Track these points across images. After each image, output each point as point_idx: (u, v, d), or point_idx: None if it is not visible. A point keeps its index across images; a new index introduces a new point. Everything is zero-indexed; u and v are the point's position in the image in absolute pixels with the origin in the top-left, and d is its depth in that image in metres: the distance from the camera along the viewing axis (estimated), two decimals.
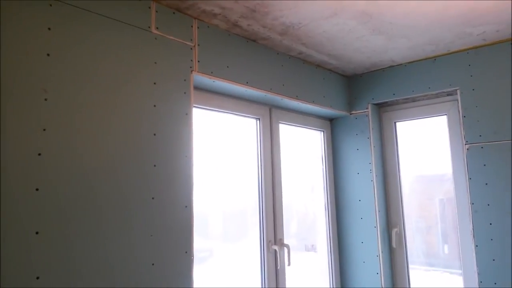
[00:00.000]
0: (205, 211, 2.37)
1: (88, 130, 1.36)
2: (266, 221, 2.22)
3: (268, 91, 2.17)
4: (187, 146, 1.68)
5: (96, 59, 1.42)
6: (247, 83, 2.04)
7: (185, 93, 1.72)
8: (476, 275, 2.22)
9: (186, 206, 1.61)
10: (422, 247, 3.16)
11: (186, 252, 1.58)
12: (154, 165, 1.53)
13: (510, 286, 2.10)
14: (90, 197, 1.33)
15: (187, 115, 1.71)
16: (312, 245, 2.95)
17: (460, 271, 2.54)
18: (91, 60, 1.40)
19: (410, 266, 2.67)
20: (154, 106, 1.58)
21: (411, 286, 2.63)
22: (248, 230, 2.29)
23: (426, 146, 2.85)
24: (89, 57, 1.39)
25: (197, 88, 1.97)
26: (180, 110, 1.69)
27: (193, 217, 1.64)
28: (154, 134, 1.56)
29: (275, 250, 2.21)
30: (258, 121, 2.34)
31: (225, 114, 2.18)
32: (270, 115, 2.40)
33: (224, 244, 2.41)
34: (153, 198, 1.50)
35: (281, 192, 2.35)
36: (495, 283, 2.14)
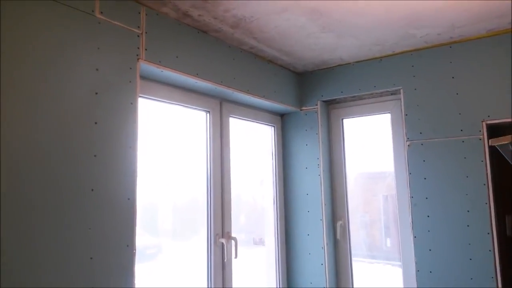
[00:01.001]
0: (153, 206, 2.31)
1: (19, 117, 1.27)
2: (213, 215, 2.21)
3: (219, 83, 2.15)
4: (132, 137, 1.63)
5: (32, 41, 1.33)
6: (197, 75, 2.01)
7: (130, 81, 1.66)
8: (413, 264, 2.34)
9: (128, 199, 1.56)
10: (366, 240, 3.29)
11: (127, 245, 1.53)
12: (95, 155, 1.47)
13: (444, 273, 2.23)
14: (19, 189, 1.25)
15: (132, 105, 1.66)
16: (260, 239, 2.98)
17: (401, 263, 2.68)
18: (26, 42, 1.31)
19: (354, 258, 2.77)
20: (96, 93, 1.51)
21: (354, 276, 2.73)
22: (198, 225, 2.27)
23: (370, 143, 2.96)
24: (24, 38, 1.31)
25: (144, 77, 1.91)
26: (125, 99, 1.63)
27: (136, 210, 1.60)
28: (95, 123, 1.49)
29: (222, 243, 2.21)
30: (208, 114, 2.31)
31: (174, 105, 2.13)
32: (221, 109, 2.39)
33: (173, 241, 2.37)
34: (92, 190, 1.44)
35: (230, 186, 2.35)
36: (431, 271, 2.27)
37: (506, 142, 1.14)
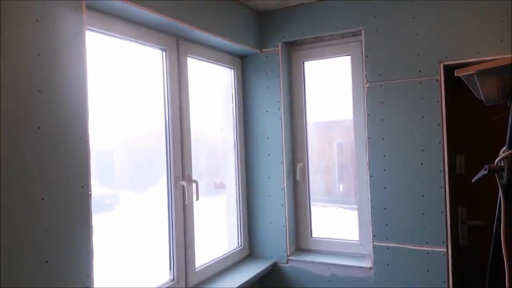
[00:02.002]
0: (109, 154, 2.21)
1: None
2: (173, 157, 2.15)
3: (175, 18, 2.01)
4: (80, 71, 1.49)
5: None
6: (150, 7, 1.85)
7: (75, 10, 1.50)
8: (369, 202, 2.44)
9: (80, 138, 1.46)
10: (321, 185, 3.40)
11: (82, 187, 1.45)
12: (39, 90, 1.34)
13: (397, 209, 2.34)
14: None
15: (79, 37, 1.51)
16: (221, 183, 2.98)
17: (353, 206, 2.79)
18: None
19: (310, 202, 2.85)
20: (37, 21, 1.35)
21: (312, 217, 2.81)
22: (158, 172, 2.20)
23: (330, 89, 2.96)
24: None
25: (93, 8, 1.73)
26: (70, 30, 1.47)
27: (89, 150, 1.50)
28: (38, 54, 1.35)
29: (183, 186, 2.17)
30: (164, 53, 2.18)
31: (127, 41, 1.98)
32: (178, 47, 2.25)
33: (131, 190, 2.31)
34: (39, 127, 1.33)
35: (189, 128, 2.27)
36: (385, 208, 2.38)
37: (471, 72, 1.14)
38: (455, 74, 1.24)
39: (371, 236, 2.43)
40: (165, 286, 2.09)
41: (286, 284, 2.67)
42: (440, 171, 2.25)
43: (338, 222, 3.42)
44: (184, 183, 2.16)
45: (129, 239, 2.22)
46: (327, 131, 3.11)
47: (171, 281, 2.14)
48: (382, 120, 2.40)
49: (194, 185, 2.22)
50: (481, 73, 1.17)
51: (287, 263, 2.67)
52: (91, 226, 1.50)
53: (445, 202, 2.24)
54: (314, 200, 2.87)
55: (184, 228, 2.20)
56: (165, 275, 2.16)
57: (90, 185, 1.50)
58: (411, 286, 2.30)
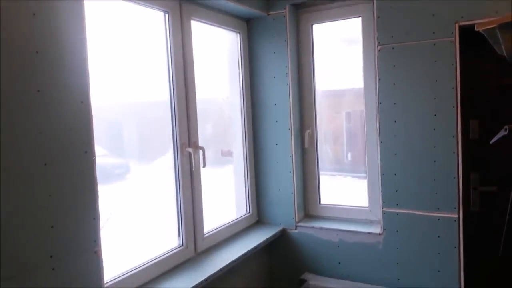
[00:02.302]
0: (117, 124, 2.19)
1: None
2: (179, 123, 2.11)
3: None
4: (78, 33, 1.43)
5: None
6: None
7: None
8: (379, 168, 2.39)
9: (82, 102, 1.42)
10: (330, 154, 3.37)
11: (86, 152, 1.42)
12: (37, 52, 1.29)
13: (407, 176, 2.30)
14: None
15: None
16: (228, 150, 2.95)
17: (361, 175, 2.76)
18: None
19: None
20: None
21: (320, 184, 2.79)
22: (166, 141, 2.16)
23: (339, 54, 2.86)
24: None
25: None
26: None
27: (91, 114, 1.46)
28: (34, 14, 1.29)
29: (189, 152, 2.14)
30: (166, 15, 2.10)
31: (128, 3, 1.90)
32: (181, 9, 2.16)
33: (140, 159, 2.29)
34: (38, 91, 1.29)
35: (195, 94, 2.22)
36: (395, 174, 2.33)
37: (493, 26, 1.06)
38: (475, 29, 1.16)
39: (381, 202, 2.40)
40: (174, 251, 2.10)
41: (295, 250, 2.68)
42: (453, 136, 2.18)
43: (346, 190, 3.40)
44: (190, 149, 2.13)
45: (140, 207, 2.23)
46: (336, 100, 3.05)
47: (180, 246, 2.15)
48: (394, 84, 2.31)
49: (200, 152, 2.19)
50: (504, 27, 1.09)
51: (295, 229, 2.67)
52: (97, 191, 1.48)
53: (457, 167, 2.18)
54: (322, 169, 2.83)
55: (192, 195, 2.19)
56: (174, 241, 2.17)
57: (94, 151, 1.47)
58: (421, 252, 2.29)
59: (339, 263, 2.55)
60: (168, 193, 2.18)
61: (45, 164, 1.29)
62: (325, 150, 3.08)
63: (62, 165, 1.34)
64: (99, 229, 1.51)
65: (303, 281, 2.54)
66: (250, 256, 2.37)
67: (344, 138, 3.50)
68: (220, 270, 2.09)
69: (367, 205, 2.62)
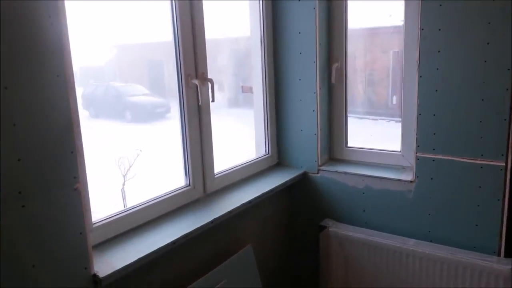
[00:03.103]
0: (159, 62, 2.01)
1: None
2: (183, 52, 1.87)
3: None
4: None
5: None
6: None
7: None
8: (415, 108, 2.07)
9: (49, 16, 1.21)
10: (372, 98, 3.10)
11: (57, 76, 1.23)
12: None
13: (449, 116, 1.97)
14: None
15: None
16: (250, 87, 2.71)
17: (394, 118, 2.45)
18: None
19: (353, 115, 2.53)
20: None
21: (348, 124, 2.51)
22: None
23: None
24: None
25: None
26: None
27: (64, 31, 1.26)
28: None
29: (196, 85, 1.92)
30: None
31: None
32: None
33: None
34: None
35: (203, 20, 1.95)
36: (434, 114, 2.01)
37: None
38: None
39: (415, 146, 2.11)
40: (180, 191, 1.96)
41: (316, 195, 2.48)
42: (508, 70, 1.80)
43: (377, 134, 3.13)
44: (196, 81, 1.91)
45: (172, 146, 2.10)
46: (379, 38, 2.70)
47: (187, 186, 2.01)
48: (440, 6, 1.92)
49: (209, 84, 1.97)
50: None
51: (317, 173, 2.46)
52: (77, 122, 1.32)
53: (510, 107, 1.83)
54: (350, 112, 2.54)
55: (200, 132, 2.00)
56: (181, 181, 2.03)
57: (71, 75, 1.28)
58: (457, 203, 2.02)
59: (364, 211, 2.33)
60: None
61: (6, 88, 1.11)
62: (368, 92, 2.81)
63: (28, 90, 1.17)
64: (83, 164, 1.37)
65: (323, 227, 2.36)
66: (266, 199, 2.21)
67: (390, 80, 3.20)
68: (230, 212, 1.94)
69: (399, 149, 2.33)
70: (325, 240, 2.36)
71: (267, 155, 2.55)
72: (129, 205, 1.77)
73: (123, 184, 3.70)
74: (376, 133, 2.94)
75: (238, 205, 2.00)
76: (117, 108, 4.12)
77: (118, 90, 4.05)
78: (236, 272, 2.01)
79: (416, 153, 2.10)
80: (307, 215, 2.54)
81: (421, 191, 2.12)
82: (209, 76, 1.99)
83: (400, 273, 2.12)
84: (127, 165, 3.76)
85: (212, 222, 1.84)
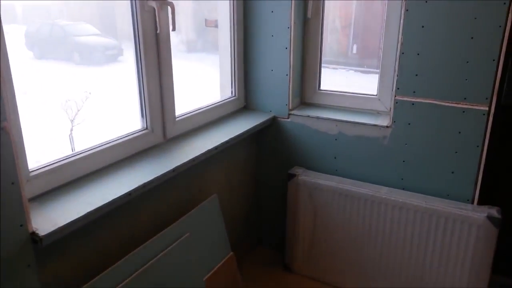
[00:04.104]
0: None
1: None
2: None
3: None
4: None
5: None
6: None
7: None
8: (398, 46, 1.89)
9: None
10: (333, 46, 2.93)
11: None
12: None
13: (433, 56, 1.82)
14: None
15: None
16: (214, 20, 2.41)
17: (368, 70, 2.29)
18: None
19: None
20: None
21: (322, 67, 2.31)
22: None
23: None
24: None
25: None
26: None
27: None
28: None
29: (154, 9, 1.61)
30: None
31: None
32: None
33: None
34: None
35: None
36: (418, 54, 1.85)
37: None
38: None
39: (394, 89, 1.96)
40: (136, 135, 1.71)
41: (286, 141, 2.31)
42: (504, 3, 1.65)
43: (350, 83, 2.97)
44: (154, 4, 1.59)
45: (124, 90, 1.82)
46: None
47: (144, 129, 1.75)
48: None
49: (169, 9, 1.66)
50: None
51: (288, 117, 2.27)
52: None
53: (500, 46, 1.69)
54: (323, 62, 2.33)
55: (158, 65, 1.72)
56: (138, 124, 1.76)
57: None
58: (434, 150, 1.92)
59: (335, 158, 2.20)
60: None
61: None
62: (329, 39, 2.60)
63: None
64: (13, 103, 1.08)
65: (292, 175, 2.22)
66: (232, 145, 2.01)
67: (351, 28, 3.03)
68: (193, 159, 1.72)
69: (375, 93, 2.18)
70: (293, 189, 2.23)
71: (233, 97, 2.32)
72: (77, 150, 1.50)
73: (71, 130, 3.37)
74: (337, 83, 2.77)
75: (203, 151, 1.78)
76: (64, 49, 3.75)
77: (64, 29, 3.70)
78: (200, 224, 1.84)
79: (395, 96, 1.96)
80: (275, 163, 2.38)
81: (397, 137, 2.00)
82: None
83: (372, 222, 2.05)
84: (75, 109, 3.42)
85: (173, 170, 1.61)
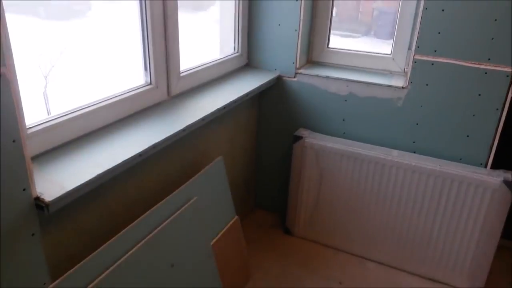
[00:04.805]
0: None
1: None
2: None
3: None
4: None
5: None
6: None
7: None
8: (422, 2, 1.77)
9: None
10: None
11: None
12: None
13: (459, 13, 1.70)
14: None
15: None
16: None
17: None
18: None
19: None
20: None
21: (332, 23, 2.16)
22: None
23: None
24: None
25: None
26: None
27: None
28: None
29: None
30: None
31: None
32: None
33: None
34: None
35: None
36: (443, 10, 1.72)
37: None
38: None
39: (414, 47, 1.84)
40: (140, 90, 1.54)
41: (291, 102, 2.19)
42: None
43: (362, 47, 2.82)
44: None
45: (101, 45, 1.65)
46: None
47: (148, 84, 1.59)
48: None
49: None
50: None
51: (294, 77, 2.14)
52: None
53: None
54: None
55: (163, 17, 1.53)
56: (141, 79, 1.59)
57: None
58: (451, 112, 1.85)
59: (343, 120, 2.10)
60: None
61: None
62: None
63: None
64: (8, 47, 0.91)
65: (298, 137, 2.12)
66: (237, 105, 1.87)
67: None
68: (203, 119, 1.59)
69: (389, 52, 2.07)
70: (299, 152, 2.13)
71: (236, 54, 2.16)
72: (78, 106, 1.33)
73: (45, 87, 3.14)
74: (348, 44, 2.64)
75: (212, 110, 1.64)
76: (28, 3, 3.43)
77: None
78: (207, 188, 1.73)
79: (413, 55, 1.85)
80: (278, 125, 2.27)
81: (413, 98, 1.92)
82: None
83: (381, 185, 1.99)
84: (49, 65, 3.17)
85: (184, 130, 1.48)
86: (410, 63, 1.87)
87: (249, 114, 2.22)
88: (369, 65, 2.12)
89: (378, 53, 2.10)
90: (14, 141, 0.93)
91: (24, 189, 0.98)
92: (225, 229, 1.84)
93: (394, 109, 1.97)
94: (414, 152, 1.99)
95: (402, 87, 1.92)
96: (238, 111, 2.08)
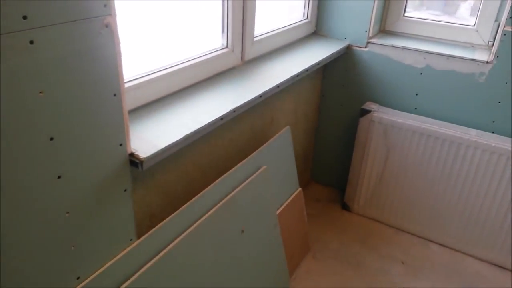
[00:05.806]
0: None
1: None
2: None
3: None
4: None
5: None
6: None
7: None
8: None
9: None
10: None
11: None
12: None
13: None
14: None
15: None
16: None
17: None
18: None
19: None
20: None
21: None
22: None
23: None
24: None
25: None
26: None
27: None
28: None
29: None
30: None
31: None
32: None
33: None
34: None
35: None
36: None
37: None
38: None
39: (504, 18, 1.70)
40: (216, 54, 1.51)
41: (360, 73, 2.09)
42: None
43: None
44: None
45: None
46: None
47: (224, 47, 1.55)
48: None
49: None
50: None
51: (365, 47, 2.03)
52: None
53: None
54: None
55: None
56: (217, 42, 1.56)
57: None
58: None
59: (416, 94, 2.00)
60: None
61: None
62: None
63: None
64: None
65: (366, 111, 2.03)
66: (306, 74, 1.80)
67: None
68: (278, 86, 1.54)
69: (473, 24, 1.92)
70: (366, 126, 2.05)
71: (305, 20, 2.07)
72: (157, 67, 1.31)
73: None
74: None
75: (286, 77, 1.59)
76: None
77: None
78: (275, 157, 1.70)
79: (504, 27, 1.70)
80: (344, 96, 2.19)
81: (497, 74, 1.78)
82: None
83: (454, 166, 1.89)
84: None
85: (260, 96, 1.44)
86: (499, 36, 1.73)
87: (314, 84, 2.15)
88: (448, 36, 1.99)
89: (459, 24, 1.96)
90: (115, 94, 0.92)
91: (120, 144, 0.98)
92: (289, 199, 1.82)
93: (475, 85, 1.84)
94: (493, 132, 1.87)
95: (487, 62, 1.78)
96: (303, 80, 2.01)
